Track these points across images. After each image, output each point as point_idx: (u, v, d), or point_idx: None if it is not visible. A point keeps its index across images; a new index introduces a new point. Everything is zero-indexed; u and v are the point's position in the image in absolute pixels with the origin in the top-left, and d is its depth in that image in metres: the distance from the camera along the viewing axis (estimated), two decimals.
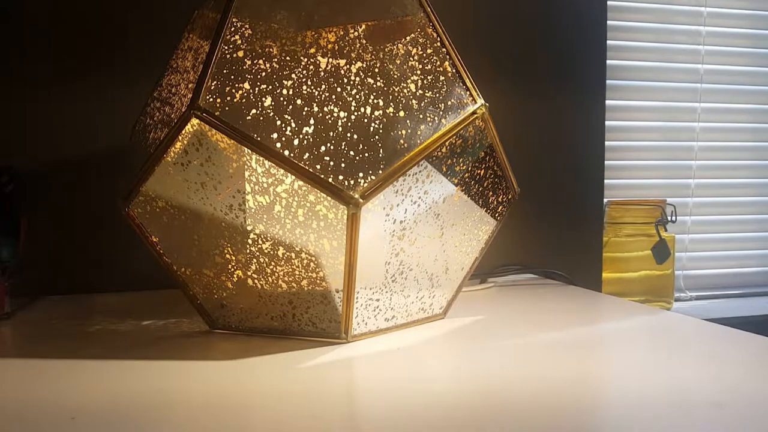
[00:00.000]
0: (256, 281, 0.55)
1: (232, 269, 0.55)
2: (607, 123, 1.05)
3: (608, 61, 1.04)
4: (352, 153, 0.49)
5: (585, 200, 1.04)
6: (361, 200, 0.47)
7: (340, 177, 0.48)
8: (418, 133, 0.52)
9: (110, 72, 0.86)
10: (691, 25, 1.17)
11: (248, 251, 0.54)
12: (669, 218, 1.05)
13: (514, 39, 0.99)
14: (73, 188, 0.86)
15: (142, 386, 0.44)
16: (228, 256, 0.55)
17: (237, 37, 0.51)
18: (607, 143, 1.06)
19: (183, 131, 0.49)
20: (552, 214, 1.01)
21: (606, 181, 1.06)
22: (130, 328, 0.62)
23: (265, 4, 0.54)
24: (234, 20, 0.51)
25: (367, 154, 0.49)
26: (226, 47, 0.50)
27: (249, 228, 0.53)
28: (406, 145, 0.51)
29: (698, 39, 1.17)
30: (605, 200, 1.06)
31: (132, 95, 0.81)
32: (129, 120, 0.67)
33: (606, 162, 1.06)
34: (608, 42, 1.05)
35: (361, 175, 0.48)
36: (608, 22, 1.04)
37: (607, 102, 1.05)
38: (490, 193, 0.61)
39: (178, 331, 0.60)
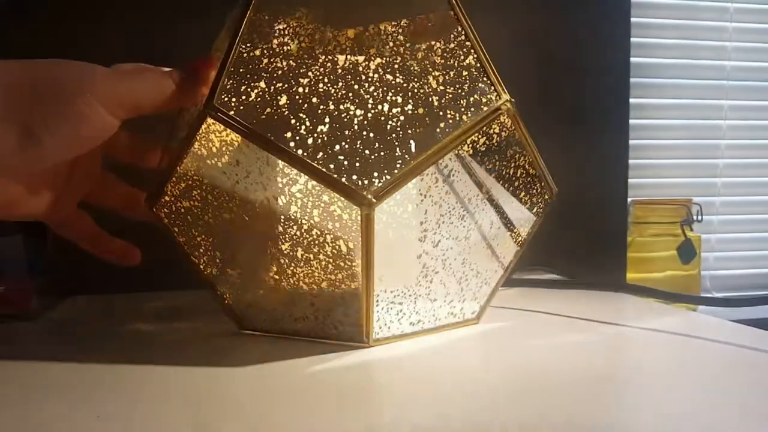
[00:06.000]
0: (279, 282, 0.54)
1: (258, 270, 0.55)
2: (631, 122, 1.03)
3: (632, 59, 1.03)
4: (367, 152, 0.48)
5: (609, 199, 1.03)
6: (374, 200, 0.46)
7: (354, 177, 0.46)
8: (438, 131, 0.50)
9: None
10: (717, 21, 1.14)
11: (269, 252, 0.53)
12: (695, 218, 1.03)
13: (532, 31, 0.97)
14: None
15: (167, 388, 0.44)
16: (251, 256, 0.54)
17: (255, 35, 0.50)
18: (631, 142, 1.04)
19: (199, 131, 0.49)
20: (576, 214, 1.00)
21: (630, 180, 1.04)
22: (157, 329, 0.63)
23: (284, 2, 0.52)
24: (252, 18, 0.50)
25: (383, 153, 0.48)
26: (243, 46, 0.49)
27: (268, 228, 0.52)
28: (424, 143, 0.49)
29: (724, 35, 1.15)
30: (630, 199, 1.05)
31: None
32: (156, 119, 0.67)
33: (630, 161, 1.04)
34: (632, 39, 1.03)
35: (375, 174, 0.47)
36: (632, 19, 1.03)
37: (632, 100, 1.03)
38: (522, 193, 0.59)
39: (206, 332, 0.60)
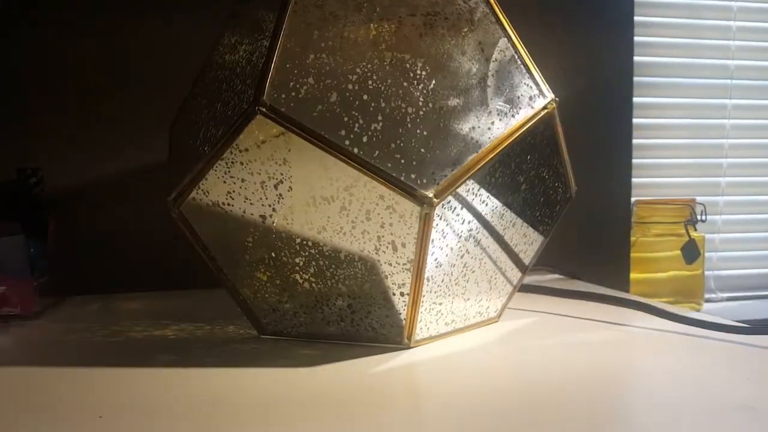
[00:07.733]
0: (314, 284, 0.52)
1: (288, 273, 0.53)
2: (635, 121, 1.03)
3: (636, 58, 1.03)
4: (423, 150, 0.47)
5: (612, 199, 1.02)
6: (435, 199, 0.45)
7: (413, 175, 0.45)
8: (489, 129, 0.49)
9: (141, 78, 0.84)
10: (721, 20, 1.15)
11: (307, 253, 0.51)
12: (699, 217, 1.03)
13: (534, 28, 0.97)
14: (102, 189, 0.85)
15: (183, 393, 0.42)
16: (285, 258, 0.52)
17: (298, 29, 0.49)
18: (635, 141, 1.04)
19: (245, 129, 0.47)
20: (579, 214, 0.99)
21: (634, 179, 1.04)
22: (164, 331, 0.61)
23: None
24: (294, 11, 0.49)
25: (438, 151, 0.47)
26: (287, 41, 0.48)
27: (309, 229, 0.50)
28: (478, 141, 0.48)
29: (728, 34, 1.15)
30: (633, 199, 1.04)
31: (162, 98, 0.78)
32: (157, 121, 0.65)
33: (634, 160, 1.04)
34: (636, 38, 1.03)
35: (433, 172, 0.46)
36: (635, 18, 1.03)
37: (635, 99, 1.03)
38: (551, 191, 0.59)
39: (224, 336, 0.58)
